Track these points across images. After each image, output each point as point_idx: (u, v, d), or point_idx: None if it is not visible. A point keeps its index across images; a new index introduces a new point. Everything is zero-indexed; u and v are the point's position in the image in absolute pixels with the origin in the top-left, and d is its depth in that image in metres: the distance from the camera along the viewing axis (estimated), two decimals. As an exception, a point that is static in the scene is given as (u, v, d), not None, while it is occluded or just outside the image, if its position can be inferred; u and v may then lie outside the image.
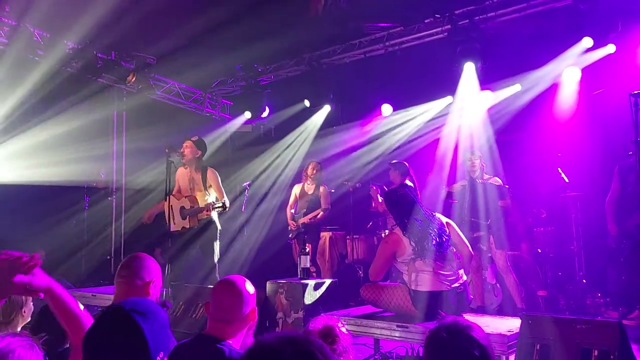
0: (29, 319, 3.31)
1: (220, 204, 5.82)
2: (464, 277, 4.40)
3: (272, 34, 7.51)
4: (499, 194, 5.85)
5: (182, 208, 6.04)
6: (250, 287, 2.40)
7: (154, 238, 7.31)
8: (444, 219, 4.53)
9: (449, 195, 6.29)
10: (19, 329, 3.17)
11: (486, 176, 6.08)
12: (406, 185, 4.91)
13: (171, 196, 6.00)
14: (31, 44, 6.90)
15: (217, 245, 6.12)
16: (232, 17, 6.98)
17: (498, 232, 5.82)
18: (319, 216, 7.30)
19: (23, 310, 3.25)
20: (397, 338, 4.17)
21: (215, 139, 8.92)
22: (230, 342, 2.26)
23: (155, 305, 1.51)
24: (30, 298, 3.37)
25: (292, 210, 7.53)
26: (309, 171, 7.46)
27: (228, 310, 2.30)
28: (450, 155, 7.76)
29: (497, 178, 6.07)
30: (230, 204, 6.39)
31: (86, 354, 1.44)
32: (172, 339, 1.54)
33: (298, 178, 8.04)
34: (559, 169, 6.71)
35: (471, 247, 5.78)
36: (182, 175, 6.30)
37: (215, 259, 6.07)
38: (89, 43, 7.29)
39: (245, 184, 8.02)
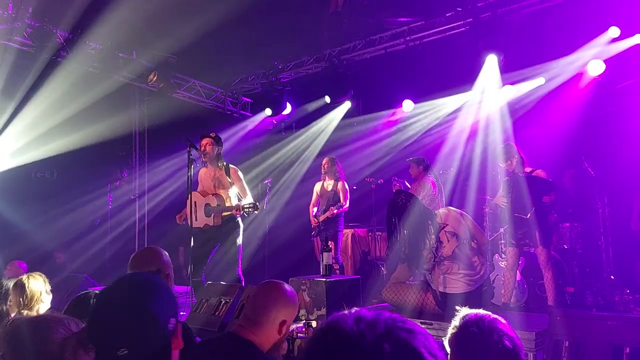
0: (50, 306, 3.36)
1: (251, 205, 5.73)
2: (487, 272, 4.35)
3: (292, 31, 7.49)
4: (543, 189, 5.59)
5: (207, 205, 6.01)
6: (290, 295, 2.34)
7: (177, 236, 7.36)
8: (455, 212, 4.47)
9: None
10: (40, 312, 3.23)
11: (528, 169, 5.82)
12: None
13: (195, 192, 5.99)
14: (54, 45, 6.97)
15: (239, 243, 6.10)
16: (252, 15, 6.99)
17: (542, 228, 5.56)
18: (334, 212, 7.23)
19: (42, 297, 3.31)
20: (421, 335, 4.13)
21: (236, 136, 8.94)
22: (256, 343, 2.19)
23: (154, 277, 1.48)
24: (47, 282, 3.43)
25: (315, 209, 7.51)
26: (324, 167, 7.44)
27: (258, 310, 2.23)
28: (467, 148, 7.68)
29: (540, 171, 5.79)
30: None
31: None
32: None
33: (317, 174, 7.99)
34: (585, 163, 6.57)
35: (517, 244, 5.64)
36: (204, 175, 6.24)
37: (238, 257, 6.05)
38: (110, 43, 7.35)
39: (266, 181, 8.02)
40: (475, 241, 4.37)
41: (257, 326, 2.20)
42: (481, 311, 1.97)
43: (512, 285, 5.66)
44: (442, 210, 4.54)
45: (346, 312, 0.89)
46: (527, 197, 5.52)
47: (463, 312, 1.98)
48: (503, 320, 1.89)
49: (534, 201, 5.49)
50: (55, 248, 7.89)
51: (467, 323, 1.84)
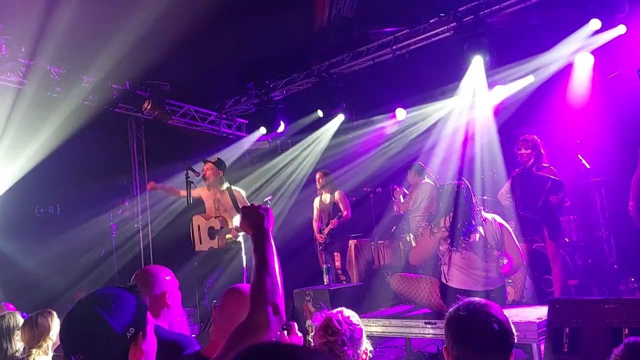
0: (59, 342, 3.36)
1: None
2: (498, 281, 4.34)
3: (280, 50, 7.62)
4: (552, 188, 5.57)
5: (211, 228, 6.09)
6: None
7: (182, 259, 7.41)
8: (499, 220, 4.47)
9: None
10: (50, 353, 3.23)
11: (545, 165, 5.80)
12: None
13: (199, 216, 6.09)
14: (48, 81, 7.10)
15: (244, 264, 6.16)
16: (240, 38, 7.12)
17: (550, 222, 5.63)
18: (336, 223, 7.27)
19: (51, 334, 3.31)
20: (428, 336, 4.16)
21: (233, 157, 9.03)
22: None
23: (117, 291, 1.58)
24: (58, 322, 3.42)
25: (318, 224, 7.57)
26: (319, 182, 7.53)
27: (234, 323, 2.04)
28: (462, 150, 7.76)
29: (552, 168, 5.81)
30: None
31: None
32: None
33: (314, 187, 8.03)
34: (579, 155, 6.63)
35: (526, 240, 5.60)
36: (206, 197, 6.34)
37: (243, 278, 6.10)
38: (104, 75, 7.47)
39: (267, 198, 8.08)
40: (499, 253, 4.39)
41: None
42: (476, 298, 2.02)
43: (523, 282, 5.69)
44: (487, 214, 4.56)
45: None
46: (535, 195, 5.55)
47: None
48: (495, 305, 1.93)
49: (541, 200, 5.51)
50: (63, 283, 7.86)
51: (458, 307, 1.88)
